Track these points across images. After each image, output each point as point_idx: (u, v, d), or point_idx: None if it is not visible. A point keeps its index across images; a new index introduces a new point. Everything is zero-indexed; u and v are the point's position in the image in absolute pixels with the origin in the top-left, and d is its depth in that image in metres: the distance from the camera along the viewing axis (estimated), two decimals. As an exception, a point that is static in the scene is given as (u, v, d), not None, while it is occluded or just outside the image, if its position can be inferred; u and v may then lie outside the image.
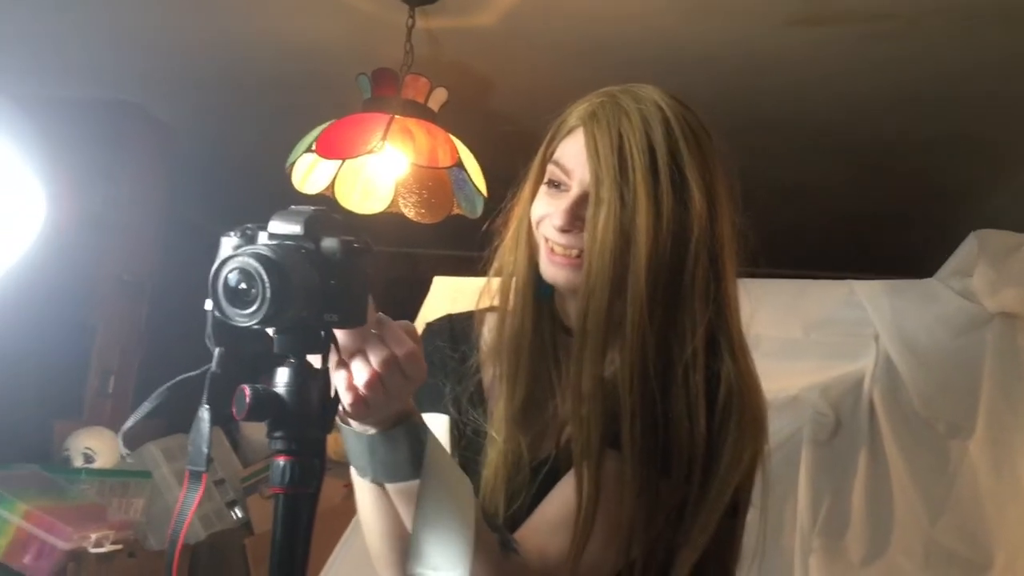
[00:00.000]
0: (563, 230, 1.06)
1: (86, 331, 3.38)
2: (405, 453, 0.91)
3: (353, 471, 0.98)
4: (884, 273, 2.30)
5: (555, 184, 1.10)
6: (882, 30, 2.61)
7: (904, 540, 2.04)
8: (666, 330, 1.04)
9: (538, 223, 1.11)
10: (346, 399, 0.88)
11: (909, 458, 2.09)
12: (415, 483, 0.91)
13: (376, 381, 0.86)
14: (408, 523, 0.94)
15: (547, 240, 1.09)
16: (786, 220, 4.16)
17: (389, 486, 0.96)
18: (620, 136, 1.04)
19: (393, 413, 0.90)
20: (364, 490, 1.01)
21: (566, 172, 1.09)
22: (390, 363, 0.86)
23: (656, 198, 1.02)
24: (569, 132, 1.11)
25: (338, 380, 0.87)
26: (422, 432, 0.92)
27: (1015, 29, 2.55)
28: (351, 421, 0.92)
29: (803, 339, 2.22)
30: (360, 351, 0.87)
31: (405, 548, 0.92)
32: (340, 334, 0.88)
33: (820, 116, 3.21)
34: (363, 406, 0.88)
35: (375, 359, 0.87)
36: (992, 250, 2.13)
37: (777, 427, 2.12)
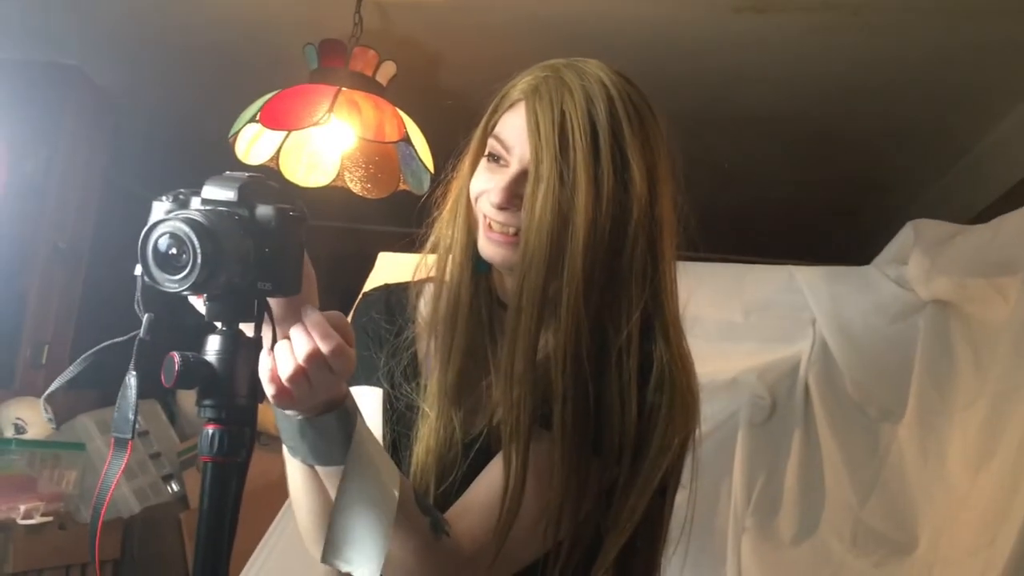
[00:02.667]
0: (500, 207, 1.04)
1: (19, 299, 3.29)
2: (335, 439, 0.90)
3: (284, 448, 0.97)
4: (824, 261, 2.34)
5: (495, 158, 1.08)
6: (825, 20, 2.64)
7: (833, 520, 2.09)
8: (601, 312, 1.03)
9: (476, 198, 1.09)
10: (269, 390, 0.86)
11: (841, 441, 2.14)
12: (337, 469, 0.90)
13: (301, 375, 0.85)
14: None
15: (485, 216, 1.07)
16: (728, 205, 4.21)
17: (319, 468, 0.95)
18: (562, 113, 1.02)
19: (322, 401, 0.89)
20: (295, 468, 0.99)
21: (506, 147, 1.07)
22: (315, 358, 0.85)
23: (596, 178, 1.00)
24: (511, 106, 1.09)
25: (262, 371, 0.85)
26: (353, 418, 0.91)
27: (952, 21, 2.59)
28: None
29: (742, 322, 2.26)
30: (286, 340, 0.86)
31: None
32: (274, 308, 0.87)
33: (764, 103, 3.24)
34: (287, 398, 0.86)
35: (300, 353, 0.85)
36: (927, 239, 2.17)
37: (715, 409, 2.16)
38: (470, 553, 0.99)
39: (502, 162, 1.07)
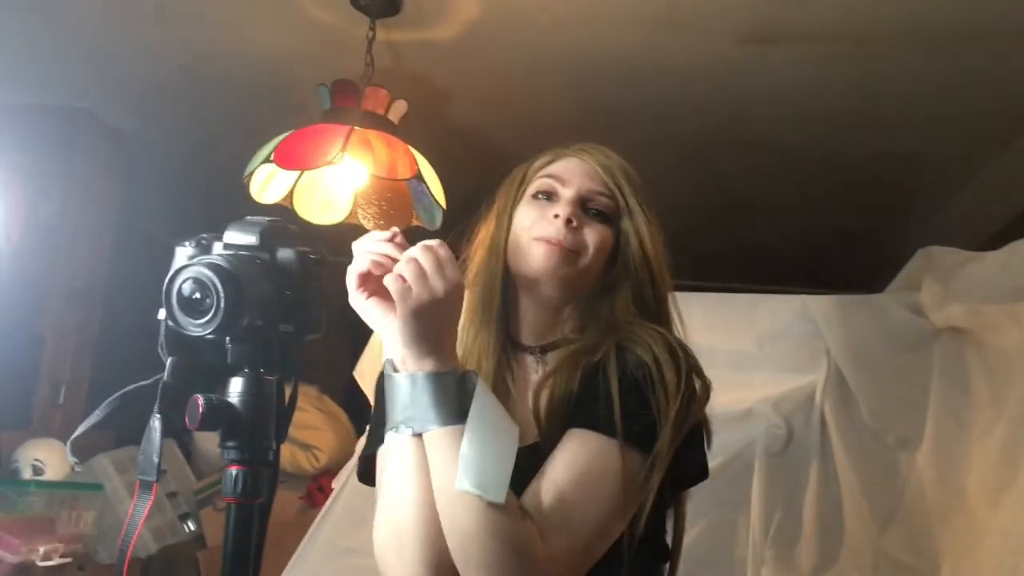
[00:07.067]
0: (568, 221, 1.19)
1: (36, 340, 3.31)
2: (454, 397, 1.01)
3: (389, 436, 1.06)
4: (837, 289, 2.34)
5: (546, 196, 1.24)
6: (831, 51, 2.66)
7: (853, 550, 2.08)
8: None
9: (530, 227, 1.21)
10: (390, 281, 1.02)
11: (859, 470, 2.13)
12: (457, 428, 1.00)
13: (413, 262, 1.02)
14: (442, 474, 1.01)
15: (539, 238, 1.20)
16: (741, 237, 4.22)
17: (433, 435, 1.02)
18: (611, 165, 1.25)
19: (429, 300, 1.01)
20: (402, 450, 1.06)
21: (561, 181, 1.24)
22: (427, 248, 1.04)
23: (648, 211, 1.24)
24: (550, 162, 1.27)
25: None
26: (473, 381, 1.02)
27: (955, 50, 2.61)
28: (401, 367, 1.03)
29: (757, 352, 2.26)
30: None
31: (435, 519, 1.02)
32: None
33: (773, 132, 3.26)
34: (400, 284, 1.01)
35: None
36: (939, 266, 2.18)
37: (731, 439, 2.15)
38: (550, 545, 1.02)
39: (554, 197, 1.24)
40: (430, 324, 1.01)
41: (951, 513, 2.01)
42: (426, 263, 1.02)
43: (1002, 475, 1.90)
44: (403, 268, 1.01)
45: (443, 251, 1.04)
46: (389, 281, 1.01)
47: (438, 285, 1.01)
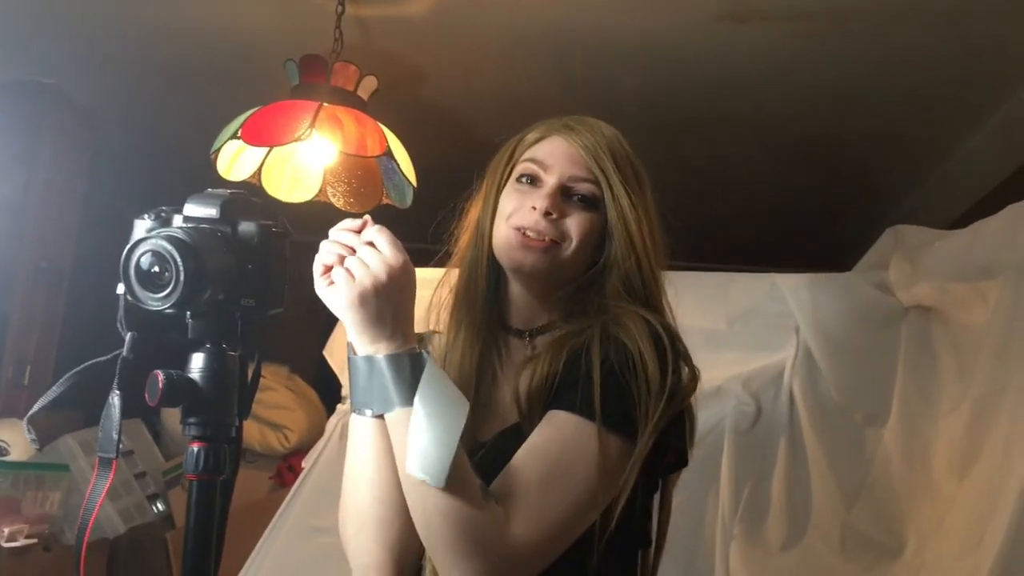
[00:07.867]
0: (547, 213, 1.17)
1: (0, 320, 3.27)
2: (408, 379, 1.01)
3: (353, 417, 1.08)
4: (807, 268, 2.35)
5: (530, 180, 1.22)
6: (805, 28, 2.66)
7: (821, 526, 2.09)
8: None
9: (510, 215, 1.20)
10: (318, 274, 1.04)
11: (826, 446, 2.14)
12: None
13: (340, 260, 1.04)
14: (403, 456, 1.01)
15: (519, 229, 1.19)
16: (712, 214, 4.23)
17: (392, 417, 1.02)
18: (598, 145, 1.21)
19: (370, 287, 1.01)
20: (364, 431, 1.08)
21: (544, 167, 1.21)
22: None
23: (636, 200, 1.21)
24: (538, 140, 1.25)
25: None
26: (423, 361, 1.02)
27: (930, 27, 2.62)
28: (358, 347, 1.03)
29: (727, 331, 2.26)
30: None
31: (391, 501, 1.06)
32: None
33: (747, 110, 3.26)
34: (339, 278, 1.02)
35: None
36: (907, 245, 2.19)
37: (701, 418, 2.14)
38: (519, 529, 1.01)
39: (537, 183, 1.22)
40: (380, 308, 1.01)
41: (918, 489, 2.03)
42: (363, 249, 1.03)
43: (968, 451, 1.92)
44: (348, 258, 1.03)
45: (381, 234, 1.04)
46: (334, 274, 1.03)
47: (378, 269, 1.01)
